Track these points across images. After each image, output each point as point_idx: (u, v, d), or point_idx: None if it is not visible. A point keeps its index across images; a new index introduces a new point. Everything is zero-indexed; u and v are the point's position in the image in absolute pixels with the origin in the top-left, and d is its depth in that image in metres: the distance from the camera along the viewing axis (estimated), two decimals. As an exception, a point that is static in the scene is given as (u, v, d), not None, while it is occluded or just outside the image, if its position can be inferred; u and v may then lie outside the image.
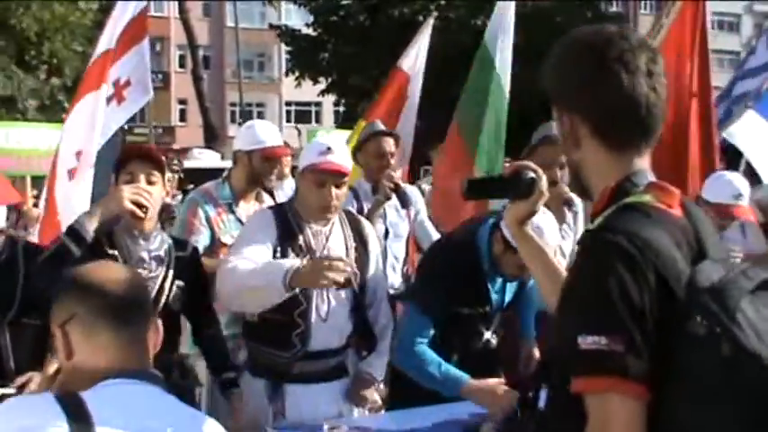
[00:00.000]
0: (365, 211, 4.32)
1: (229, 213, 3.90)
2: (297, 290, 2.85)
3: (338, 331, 3.11)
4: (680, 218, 1.53)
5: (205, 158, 17.81)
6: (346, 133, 7.82)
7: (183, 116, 40.55)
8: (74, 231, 2.85)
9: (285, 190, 5.72)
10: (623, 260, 1.40)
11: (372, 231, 3.36)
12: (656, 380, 1.37)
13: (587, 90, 1.57)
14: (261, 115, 36.12)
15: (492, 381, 2.95)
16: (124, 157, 3.07)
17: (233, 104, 36.99)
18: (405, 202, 4.35)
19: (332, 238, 3.12)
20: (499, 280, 3.16)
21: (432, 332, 3.05)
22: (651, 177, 1.59)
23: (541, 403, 1.65)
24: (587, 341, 1.38)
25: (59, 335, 1.56)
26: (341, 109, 25.27)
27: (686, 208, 1.57)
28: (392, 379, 3.30)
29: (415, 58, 6.19)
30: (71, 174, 4.58)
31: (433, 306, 3.05)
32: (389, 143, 4.52)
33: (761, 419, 1.30)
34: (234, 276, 2.87)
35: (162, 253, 3.04)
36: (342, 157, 3.05)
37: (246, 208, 3.95)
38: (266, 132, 4.03)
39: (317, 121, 40.30)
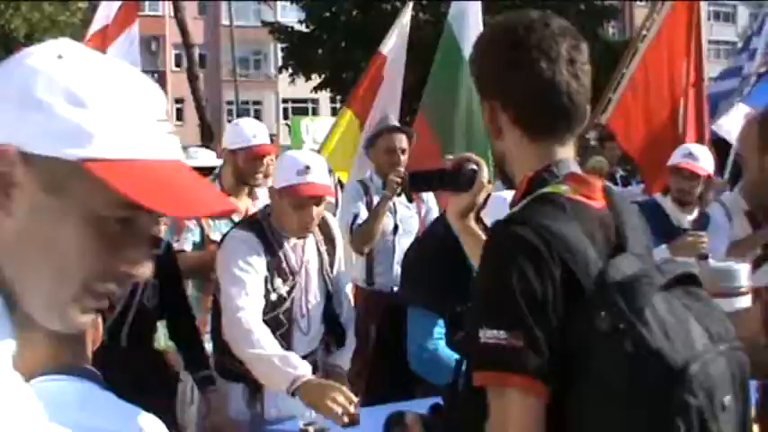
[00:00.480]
0: (374, 205, 4.30)
1: (219, 210, 3.86)
2: (280, 315, 2.95)
3: (316, 338, 3.13)
4: (599, 210, 1.49)
5: (201, 157, 17.80)
6: (332, 120, 7.78)
7: (179, 115, 40.49)
8: None
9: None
10: (526, 253, 1.36)
11: (337, 227, 3.34)
12: (562, 374, 1.33)
13: (506, 77, 1.53)
14: (258, 113, 36.14)
15: None
16: None
17: (230, 103, 36.89)
18: (410, 196, 4.32)
19: (306, 249, 3.10)
20: None
21: (442, 330, 2.99)
22: (574, 167, 1.55)
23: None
24: (487, 335, 1.35)
25: None
26: (338, 105, 25.23)
27: (611, 200, 1.53)
28: (369, 375, 3.26)
29: (392, 40, 6.04)
30: None
31: (430, 301, 3.02)
32: (401, 139, 4.46)
33: (666, 418, 1.26)
34: (248, 342, 2.81)
35: (134, 251, 3.00)
36: (321, 176, 2.95)
37: (238, 206, 3.91)
38: (251, 130, 4.00)
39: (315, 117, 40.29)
